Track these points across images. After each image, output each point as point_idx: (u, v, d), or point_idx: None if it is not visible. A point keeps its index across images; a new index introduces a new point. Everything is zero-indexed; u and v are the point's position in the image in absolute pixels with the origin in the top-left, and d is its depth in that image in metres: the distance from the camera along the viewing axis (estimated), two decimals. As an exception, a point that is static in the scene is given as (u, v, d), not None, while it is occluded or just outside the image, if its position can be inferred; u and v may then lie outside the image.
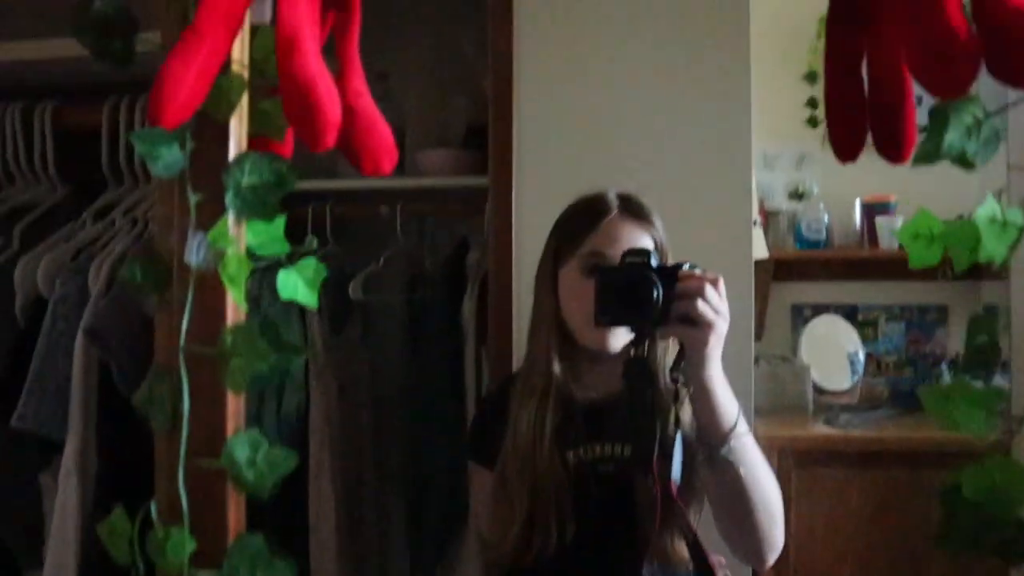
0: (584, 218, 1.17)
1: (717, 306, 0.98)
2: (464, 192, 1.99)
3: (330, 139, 0.56)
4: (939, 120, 0.55)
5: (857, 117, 0.63)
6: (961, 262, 0.57)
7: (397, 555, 2.11)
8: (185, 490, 0.59)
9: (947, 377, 2.34)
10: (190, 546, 0.59)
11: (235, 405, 0.62)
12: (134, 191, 1.53)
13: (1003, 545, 0.52)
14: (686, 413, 1.04)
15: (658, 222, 1.20)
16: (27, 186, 1.62)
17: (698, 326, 0.97)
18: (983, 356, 0.58)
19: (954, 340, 2.44)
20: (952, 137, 0.54)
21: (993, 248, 0.53)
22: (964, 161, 0.55)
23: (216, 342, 0.60)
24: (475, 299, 1.83)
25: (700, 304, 0.97)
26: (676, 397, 1.01)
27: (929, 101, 0.55)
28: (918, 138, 0.60)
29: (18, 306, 1.40)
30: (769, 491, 1.05)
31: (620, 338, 1.14)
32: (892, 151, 0.63)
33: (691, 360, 0.99)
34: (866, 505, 1.86)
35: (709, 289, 0.98)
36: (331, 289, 2.05)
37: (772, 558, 1.07)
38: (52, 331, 1.30)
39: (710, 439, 1.02)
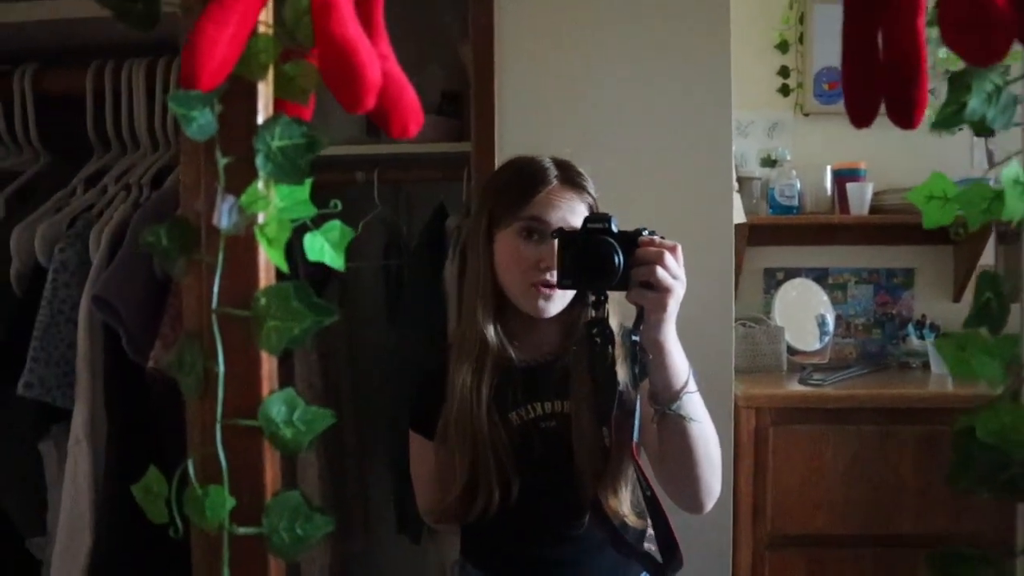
0: (523, 185, 1.20)
1: (675, 272, 1.03)
2: (441, 158, 2.01)
3: (371, 101, 0.56)
4: (960, 87, 0.57)
5: (872, 84, 0.64)
6: (975, 221, 0.59)
7: (382, 520, 2.14)
8: (223, 450, 0.60)
9: (913, 338, 2.41)
10: (230, 504, 0.60)
11: (269, 366, 0.62)
12: (122, 158, 1.50)
13: (1012, 483, 0.55)
14: (623, 374, 1.10)
15: (592, 188, 1.23)
16: (8, 154, 1.58)
17: (657, 291, 1.02)
18: (990, 312, 0.61)
19: (919, 302, 2.52)
20: (975, 103, 0.56)
21: (1014, 207, 0.55)
22: (982, 127, 0.57)
23: (248, 304, 0.61)
24: (457, 263, 1.84)
25: (659, 270, 1.02)
26: (635, 359, 1.05)
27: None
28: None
29: (13, 274, 1.38)
30: (712, 443, 1.12)
31: (556, 303, 1.19)
32: (904, 117, 0.65)
33: (649, 322, 1.04)
34: (839, 459, 1.93)
35: (668, 256, 1.03)
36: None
37: (711, 504, 1.15)
38: (54, 299, 1.29)
39: (663, 397, 1.07)
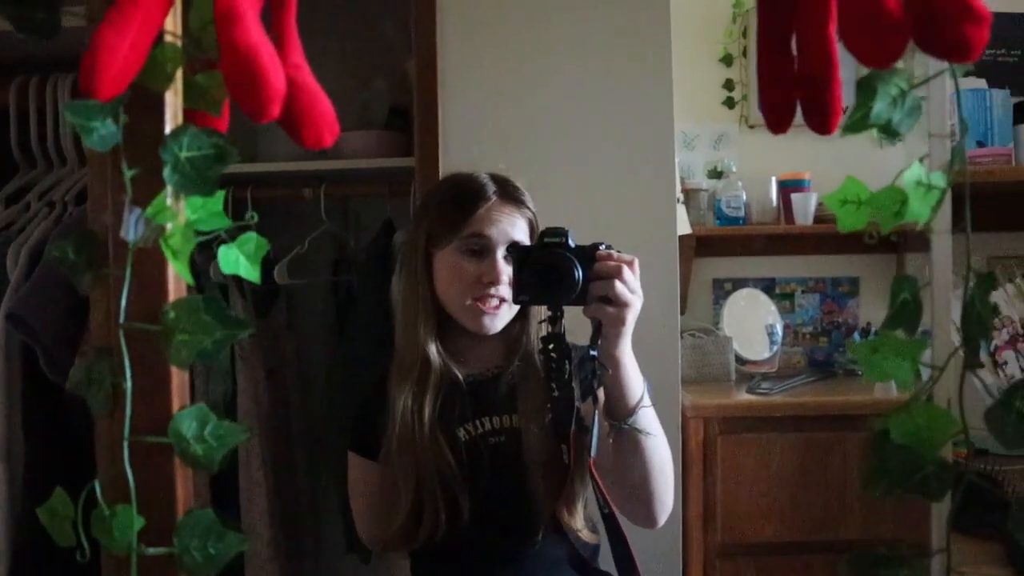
0: (461, 202, 1.19)
1: (633, 286, 1.03)
2: (388, 173, 2.00)
3: (275, 109, 0.55)
4: (867, 91, 0.58)
5: (787, 91, 0.65)
6: (887, 224, 0.60)
7: (333, 539, 2.11)
8: (131, 468, 0.58)
9: (859, 345, 2.44)
10: (138, 523, 0.58)
11: (180, 381, 0.61)
12: (49, 174, 1.47)
13: (925, 483, 0.55)
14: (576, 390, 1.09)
15: (530, 203, 1.23)
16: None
17: (616, 305, 1.02)
18: (906, 313, 0.61)
19: (865, 310, 2.56)
20: (879, 107, 0.57)
21: (918, 209, 0.56)
22: (889, 130, 0.58)
23: (157, 318, 0.59)
24: (403, 278, 1.83)
25: (618, 284, 1.02)
26: (594, 374, 1.04)
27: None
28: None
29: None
30: (666, 458, 1.12)
31: (500, 320, 1.18)
32: (819, 123, 0.65)
33: (607, 337, 1.04)
34: (787, 466, 1.95)
35: (626, 270, 1.03)
36: (256, 273, 2.02)
37: (664, 518, 1.15)
38: (-32, 319, 1.25)
39: (619, 411, 1.07)
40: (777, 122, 0.68)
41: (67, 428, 1.17)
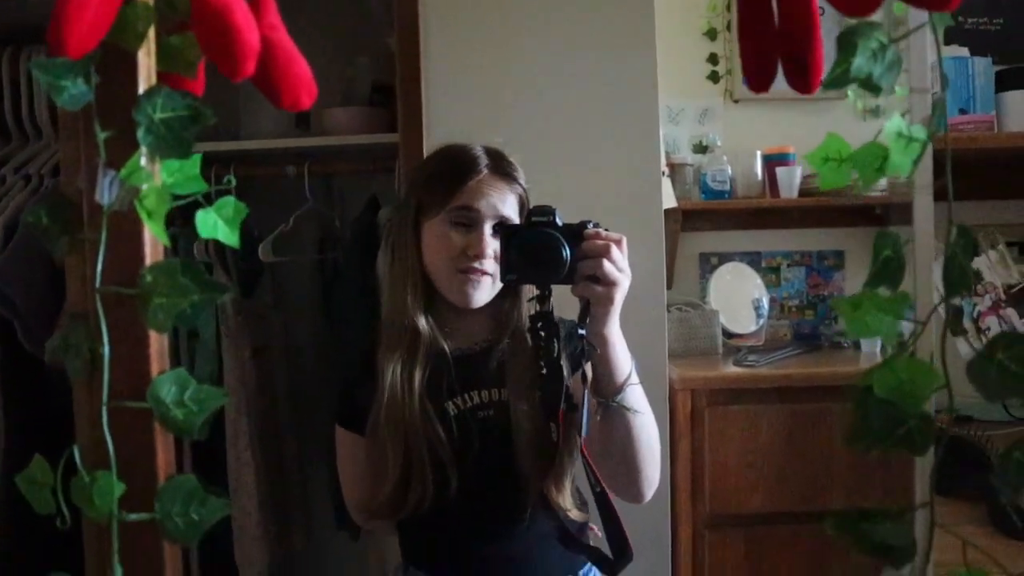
0: (453, 173, 1.18)
1: (621, 265, 1.03)
2: (372, 149, 1.98)
3: (250, 66, 0.54)
4: (847, 46, 0.57)
5: (767, 49, 0.64)
6: (869, 181, 0.60)
7: (324, 519, 2.11)
8: (110, 434, 0.57)
9: (844, 318, 2.45)
10: (118, 489, 0.57)
11: (159, 345, 0.60)
12: (24, 148, 1.45)
13: (909, 437, 0.55)
14: (566, 368, 1.08)
15: (523, 179, 1.22)
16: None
17: (604, 284, 1.02)
18: (889, 270, 0.61)
19: (850, 283, 2.57)
20: (859, 61, 0.56)
21: (899, 161, 0.56)
22: (870, 85, 0.57)
23: (134, 282, 0.58)
24: (388, 255, 1.82)
25: (606, 264, 1.01)
26: (583, 352, 1.04)
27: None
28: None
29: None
30: (653, 435, 1.13)
31: (483, 293, 1.18)
32: (801, 82, 0.65)
33: (595, 316, 1.04)
34: (774, 437, 1.96)
35: (614, 249, 1.03)
36: (240, 252, 2.02)
37: (650, 494, 1.15)
38: (-56, 293, 1.23)
39: (607, 389, 1.07)
40: (758, 81, 0.67)
41: (48, 401, 1.16)
